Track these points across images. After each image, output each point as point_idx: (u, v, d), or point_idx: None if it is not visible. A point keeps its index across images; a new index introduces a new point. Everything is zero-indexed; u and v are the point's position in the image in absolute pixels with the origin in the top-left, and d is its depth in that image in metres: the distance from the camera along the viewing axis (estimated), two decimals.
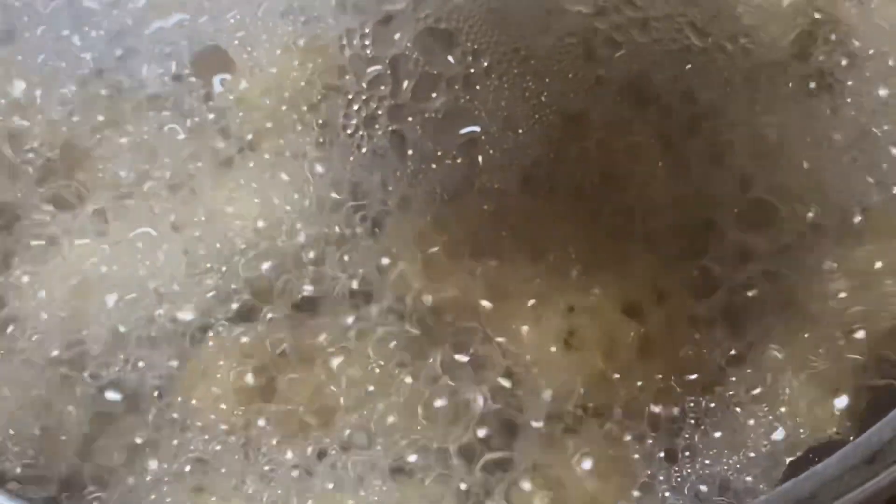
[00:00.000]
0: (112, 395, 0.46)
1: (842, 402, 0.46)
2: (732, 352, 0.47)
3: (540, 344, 0.47)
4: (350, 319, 0.47)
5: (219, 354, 0.47)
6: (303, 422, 0.45)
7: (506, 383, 0.46)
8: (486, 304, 0.47)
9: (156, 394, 0.46)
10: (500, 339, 0.47)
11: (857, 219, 0.48)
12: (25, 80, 0.50)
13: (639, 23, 0.49)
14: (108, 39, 0.50)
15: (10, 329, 0.47)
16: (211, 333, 0.47)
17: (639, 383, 0.47)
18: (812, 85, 0.50)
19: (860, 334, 0.47)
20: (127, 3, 0.50)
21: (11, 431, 0.45)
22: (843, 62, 0.50)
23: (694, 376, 0.47)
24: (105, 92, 0.50)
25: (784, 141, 0.49)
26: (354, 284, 0.47)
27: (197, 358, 0.47)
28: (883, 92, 0.49)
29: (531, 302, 0.47)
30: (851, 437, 0.45)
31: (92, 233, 0.48)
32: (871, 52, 0.50)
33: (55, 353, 0.47)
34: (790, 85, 0.49)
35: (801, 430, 0.46)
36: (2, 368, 0.46)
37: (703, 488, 0.45)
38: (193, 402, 0.46)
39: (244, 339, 0.46)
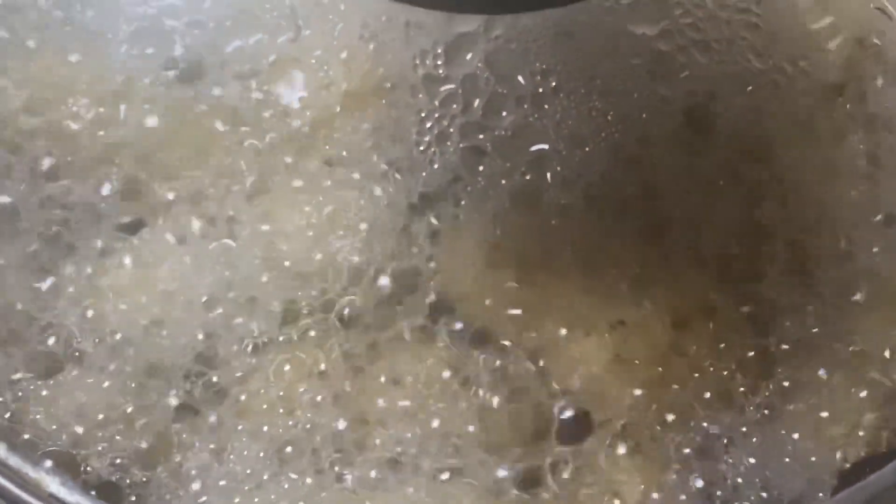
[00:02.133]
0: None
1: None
2: (781, 369, 0.49)
3: (593, 356, 0.48)
4: (421, 334, 0.49)
5: (285, 367, 0.48)
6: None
7: (562, 400, 0.48)
8: (548, 317, 0.49)
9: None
10: (560, 354, 0.49)
11: None
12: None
13: (701, 45, 0.50)
14: (189, 56, 0.51)
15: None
16: (279, 345, 0.48)
17: (687, 396, 0.48)
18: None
19: None
20: (209, 22, 0.51)
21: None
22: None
23: (741, 389, 0.48)
24: (185, 103, 0.51)
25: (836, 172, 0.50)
26: (427, 299, 0.49)
27: (263, 370, 0.48)
28: None
29: (589, 315, 0.49)
30: None
31: (170, 242, 0.50)
32: None
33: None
34: (848, 108, 0.51)
35: (852, 444, 0.47)
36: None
37: (756, 497, 0.46)
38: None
39: (306, 353, 0.48)
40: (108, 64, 0.52)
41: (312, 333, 0.49)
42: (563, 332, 0.49)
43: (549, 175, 0.50)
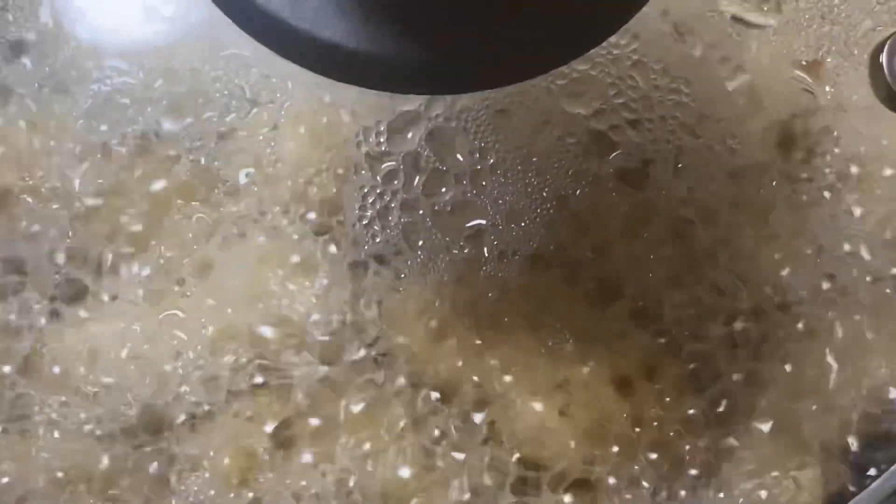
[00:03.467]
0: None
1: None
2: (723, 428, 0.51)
3: (535, 413, 0.50)
4: (356, 395, 0.51)
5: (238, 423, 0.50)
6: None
7: (509, 455, 0.50)
8: (489, 379, 0.51)
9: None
10: (498, 410, 0.51)
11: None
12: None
13: (633, 123, 0.52)
14: (141, 132, 0.53)
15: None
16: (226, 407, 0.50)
17: (631, 455, 0.50)
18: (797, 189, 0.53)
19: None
20: (161, 99, 0.53)
21: None
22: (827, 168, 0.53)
23: (685, 446, 0.51)
24: (136, 177, 0.53)
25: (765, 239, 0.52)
26: (371, 368, 0.51)
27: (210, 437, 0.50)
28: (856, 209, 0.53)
29: (530, 375, 0.51)
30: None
31: (117, 311, 0.51)
32: (850, 158, 0.53)
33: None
34: (774, 184, 0.53)
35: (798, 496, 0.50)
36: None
37: None
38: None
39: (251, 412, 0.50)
40: (61, 137, 0.53)
41: (259, 400, 0.50)
42: (508, 392, 0.51)
43: (486, 249, 0.51)
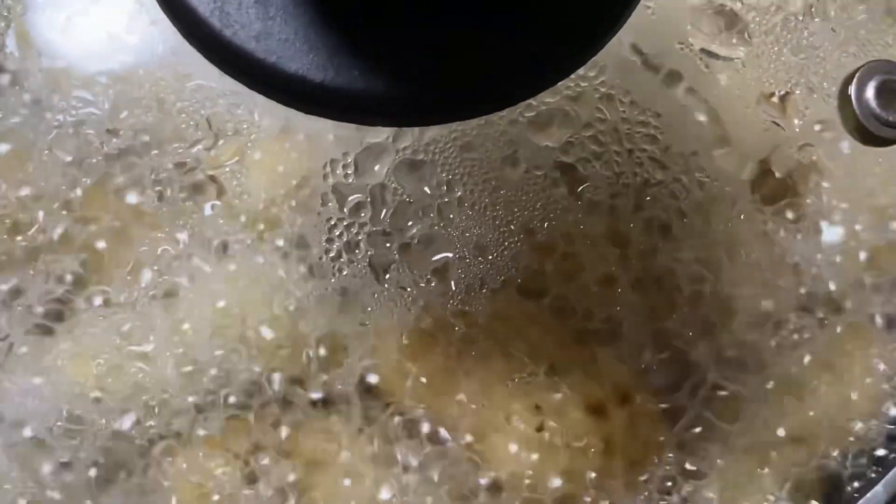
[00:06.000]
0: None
1: None
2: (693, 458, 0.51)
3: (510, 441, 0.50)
4: (322, 429, 0.50)
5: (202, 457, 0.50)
6: None
7: (483, 480, 0.50)
8: (456, 412, 0.51)
9: None
10: (470, 440, 0.50)
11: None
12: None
13: (602, 156, 0.52)
14: (104, 173, 0.53)
15: None
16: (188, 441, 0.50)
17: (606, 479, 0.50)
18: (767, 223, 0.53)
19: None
20: (127, 131, 0.52)
21: None
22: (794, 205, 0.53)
23: (658, 475, 0.51)
24: (101, 209, 0.53)
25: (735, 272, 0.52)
26: (340, 400, 0.51)
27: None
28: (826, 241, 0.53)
29: (498, 407, 0.50)
30: None
31: (81, 345, 0.51)
32: (819, 191, 0.53)
33: None
34: (742, 217, 0.53)
35: None
36: None
37: None
38: None
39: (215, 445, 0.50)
40: (26, 169, 0.52)
41: (227, 431, 0.50)
42: (476, 423, 0.51)
43: (453, 283, 0.51)
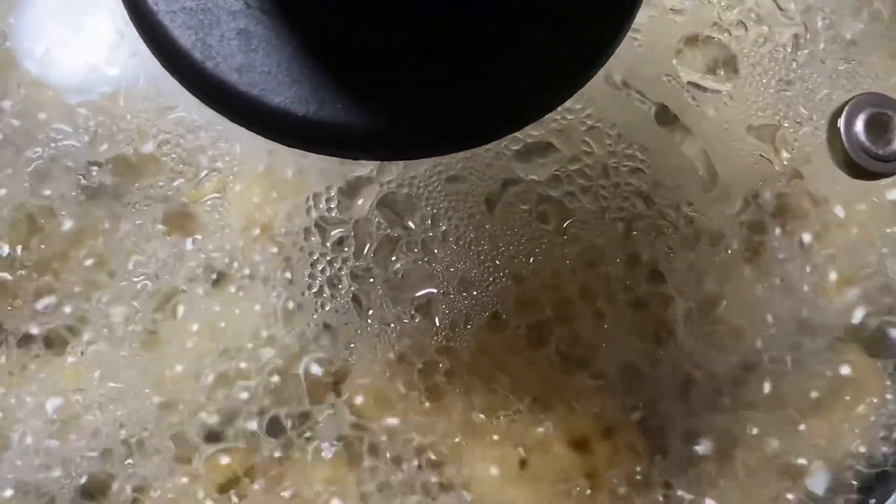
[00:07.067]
0: None
1: None
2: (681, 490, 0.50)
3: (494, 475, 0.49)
4: (305, 464, 0.50)
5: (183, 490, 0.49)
6: None
7: None
8: (440, 446, 0.50)
9: None
10: (454, 472, 0.50)
11: None
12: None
13: (588, 190, 0.52)
14: (86, 194, 0.52)
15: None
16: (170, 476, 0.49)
17: None
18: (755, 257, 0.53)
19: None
20: (107, 164, 0.52)
21: None
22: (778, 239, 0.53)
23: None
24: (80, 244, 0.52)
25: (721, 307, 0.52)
26: (322, 435, 0.50)
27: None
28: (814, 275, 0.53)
29: (483, 442, 0.50)
30: None
31: (55, 384, 0.50)
32: (808, 224, 0.53)
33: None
34: (730, 252, 0.52)
35: None
36: None
37: None
38: None
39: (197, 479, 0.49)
40: (5, 201, 0.52)
41: (206, 466, 0.49)
42: (462, 459, 0.50)
43: (437, 319, 0.50)
